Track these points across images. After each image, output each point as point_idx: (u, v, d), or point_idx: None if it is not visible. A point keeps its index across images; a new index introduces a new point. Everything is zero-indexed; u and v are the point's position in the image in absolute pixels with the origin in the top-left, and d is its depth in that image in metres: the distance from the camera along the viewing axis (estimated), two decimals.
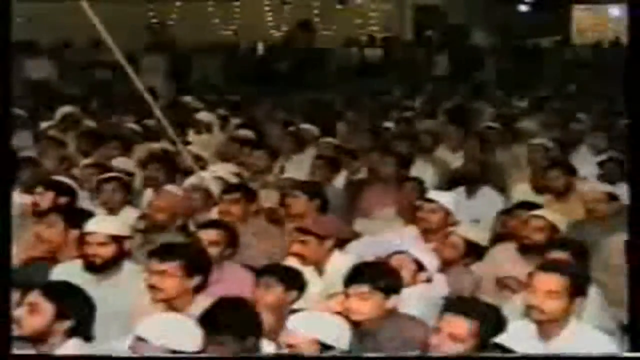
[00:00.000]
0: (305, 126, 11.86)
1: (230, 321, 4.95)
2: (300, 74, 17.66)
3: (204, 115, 12.96)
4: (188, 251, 5.84)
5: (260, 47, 20.84)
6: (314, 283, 6.24)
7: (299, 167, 9.79)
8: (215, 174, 8.38)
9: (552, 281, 5.14)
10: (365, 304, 5.36)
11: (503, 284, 6.42)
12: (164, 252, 5.72)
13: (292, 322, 4.81)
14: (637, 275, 2.28)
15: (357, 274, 5.49)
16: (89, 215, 6.60)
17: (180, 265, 5.61)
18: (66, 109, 12.30)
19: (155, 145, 10.37)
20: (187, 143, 10.28)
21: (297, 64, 18.79)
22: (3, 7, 4.12)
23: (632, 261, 2.32)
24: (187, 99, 15.65)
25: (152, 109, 7.80)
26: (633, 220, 2.37)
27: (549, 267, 5.27)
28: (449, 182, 9.30)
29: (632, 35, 2.69)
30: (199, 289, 5.66)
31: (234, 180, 8.28)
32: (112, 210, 7.66)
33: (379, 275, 5.50)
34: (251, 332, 5.02)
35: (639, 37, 2.59)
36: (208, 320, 4.90)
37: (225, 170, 8.60)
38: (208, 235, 6.37)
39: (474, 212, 8.31)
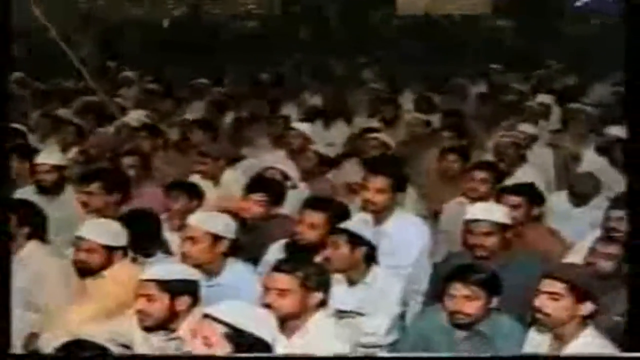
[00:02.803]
0: (201, 80, 11.83)
1: (139, 225, 4.99)
2: (198, 43, 17.55)
3: (125, 75, 12.88)
4: (108, 174, 5.89)
5: (165, 22, 20.60)
6: (211, 192, 6.33)
7: (197, 110, 9.84)
8: (133, 117, 8.42)
9: (379, 181, 5.29)
10: (258, 206, 5.46)
11: (350, 187, 6.52)
12: (88, 176, 5.78)
13: (191, 219, 4.81)
14: (638, 275, 2.25)
15: (254, 185, 5.58)
16: (37, 151, 6.62)
17: (101, 185, 5.66)
18: (17, 74, 12.10)
19: (89, 99, 10.30)
20: (114, 96, 10.24)
21: (195, 35, 18.67)
22: None
23: (632, 261, 2.28)
24: (112, 64, 15.48)
25: (82, 72, 7.81)
26: (633, 221, 2.32)
27: (375, 170, 5.41)
28: (310, 117, 9.40)
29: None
30: (120, 203, 5.71)
31: (146, 121, 8.31)
32: (63, 149, 7.64)
33: (269, 187, 5.61)
34: (155, 231, 5.09)
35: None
36: (126, 223, 4.89)
37: (140, 115, 8.62)
38: (127, 161, 6.43)
39: (329, 137, 8.46)
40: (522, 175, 6.91)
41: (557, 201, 6.63)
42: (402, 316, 4.79)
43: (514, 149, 7.22)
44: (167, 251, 5.09)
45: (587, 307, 3.94)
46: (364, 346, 4.56)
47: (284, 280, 3.97)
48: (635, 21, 2.35)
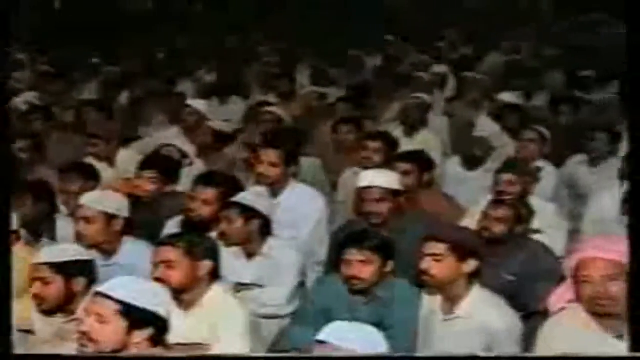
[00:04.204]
0: (94, 60, 11.65)
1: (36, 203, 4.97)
2: (92, 22, 17.30)
3: (17, 57, 12.62)
4: None
5: (57, 2, 20.22)
6: (108, 173, 6.28)
7: (89, 91, 9.73)
8: (21, 100, 8.30)
9: (271, 154, 5.33)
10: (150, 184, 5.44)
11: (246, 162, 6.52)
12: None
13: (83, 199, 4.78)
14: (637, 276, 2.27)
15: (147, 163, 5.56)
16: None
17: None
18: None
19: None
20: (6, 79, 10.00)
21: (89, 14, 18.41)
22: None
23: (632, 262, 2.30)
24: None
25: None
26: (633, 220, 2.34)
27: (268, 143, 5.46)
28: (206, 94, 9.38)
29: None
30: None
31: (36, 103, 8.19)
32: None
33: (163, 164, 5.60)
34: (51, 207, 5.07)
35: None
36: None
37: (32, 97, 8.50)
38: (18, 145, 6.35)
39: (225, 114, 8.44)
40: (422, 139, 7.09)
41: (452, 167, 6.78)
42: (302, 286, 4.84)
43: (418, 112, 7.42)
44: (53, 237, 5.04)
45: (470, 265, 4.05)
46: (265, 317, 4.61)
47: (168, 252, 3.99)
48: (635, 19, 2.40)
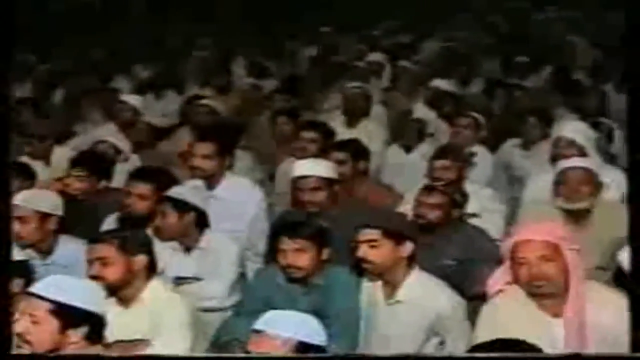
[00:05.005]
0: (28, 58, 11.39)
1: None
2: (25, 18, 17.05)
3: None
4: None
5: None
6: (44, 172, 6.19)
7: (23, 89, 9.56)
8: None
9: (204, 147, 5.29)
10: (79, 182, 5.37)
11: (182, 156, 6.47)
12: None
13: (17, 199, 4.66)
14: (638, 276, 2.27)
15: (77, 160, 5.47)
16: None
17: None
18: None
19: None
20: None
21: (22, 10, 18.14)
22: None
23: (632, 262, 2.31)
24: None
25: None
26: (633, 222, 2.33)
27: (201, 136, 5.42)
28: (142, 89, 9.30)
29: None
30: None
31: None
32: None
33: (94, 161, 5.53)
34: None
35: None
36: None
37: None
38: None
39: (161, 109, 8.39)
40: (363, 128, 7.10)
41: (393, 155, 6.81)
42: (243, 278, 4.82)
43: (359, 101, 7.43)
44: None
45: (407, 248, 4.08)
46: (206, 310, 4.58)
47: (102, 249, 3.96)
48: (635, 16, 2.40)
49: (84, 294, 3.19)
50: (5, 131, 2.80)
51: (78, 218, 4.98)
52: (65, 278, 3.28)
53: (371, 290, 4.18)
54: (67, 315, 3.11)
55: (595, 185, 4.72)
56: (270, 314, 3.21)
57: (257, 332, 3.15)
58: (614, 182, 5.20)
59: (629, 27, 2.39)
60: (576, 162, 4.85)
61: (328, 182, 4.88)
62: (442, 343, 4.07)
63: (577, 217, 4.70)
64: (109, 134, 6.54)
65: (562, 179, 4.73)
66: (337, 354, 3.80)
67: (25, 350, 3.14)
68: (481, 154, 6.48)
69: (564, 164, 4.83)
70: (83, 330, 3.14)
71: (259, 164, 6.60)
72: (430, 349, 4.06)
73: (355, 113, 7.38)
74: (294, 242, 4.18)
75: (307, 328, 3.15)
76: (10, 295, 3.01)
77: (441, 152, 5.39)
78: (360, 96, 7.54)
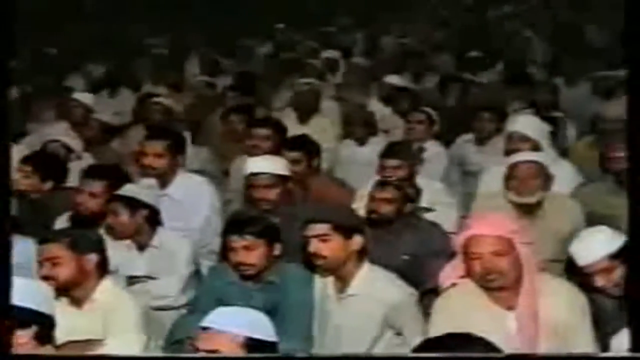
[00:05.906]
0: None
1: None
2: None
3: None
4: None
5: None
6: None
7: None
8: None
9: (155, 145, 5.24)
10: (28, 180, 5.30)
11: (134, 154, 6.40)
12: None
13: None
14: (637, 276, 2.25)
15: (27, 159, 5.41)
16: None
17: None
18: None
19: None
20: None
21: None
22: None
23: (632, 263, 2.28)
24: None
25: None
26: (633, 222, 2.31)
27: (152, 135, 5.38)
28: (95, 87, 9.21)
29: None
30: None
31: None
32: None
33: (41, 160, 5.45)
34: None
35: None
36: None
37: None
38: None
39: (114, 107, 8.30)
40: (316, 124, 7.09)
41: (345, 150, 6.80)
42: (198, 275, 4.78)
43: (310, 98, 7.45)
44: None
45: (357, 241, 4.07)
46: (159, 309, 4.54)
47: (52, 248, 3.91)
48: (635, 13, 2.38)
49: (32, 294, 3.15)
50: None
51: (29, 218, 4.92)
52: (13, 279, 3.22)
53: (323, 285, 4.17)
54: (18, 317, 3.06)
55: (545, 178, 4.76)
56: (217, 311, 3.18)
57: (205, 329, 3.12)
58: (565, 176, 5.24)
59: (629, 26, 2.39)
60: (527, 156, 4.90)
61: (281, 179, 4.86)
62: (399, 334, 4.06)
63: (528, 210, 4.74)
64: (61, 133, 6.46)
65: (513, 173, 4.77)
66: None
67: None
68: (435, 149, 6.50)
69: (515, 157, 4.88)
70: (32, 330, 3.12)
71: (215, 161, 6.56)
72: (385, 342, 4.05)
73: (305, 109, 7.38)
74: (242, 239, 4.15)
75: (255, 324, 3.12)
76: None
77: (390, 151, 5.39)
78: (309, 92, 7.56)
